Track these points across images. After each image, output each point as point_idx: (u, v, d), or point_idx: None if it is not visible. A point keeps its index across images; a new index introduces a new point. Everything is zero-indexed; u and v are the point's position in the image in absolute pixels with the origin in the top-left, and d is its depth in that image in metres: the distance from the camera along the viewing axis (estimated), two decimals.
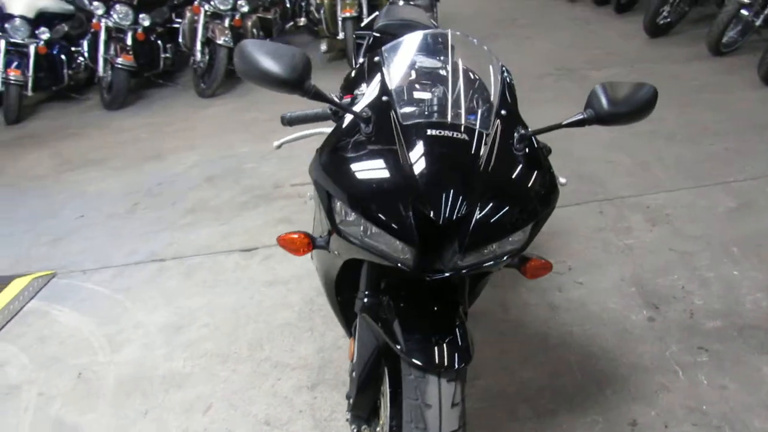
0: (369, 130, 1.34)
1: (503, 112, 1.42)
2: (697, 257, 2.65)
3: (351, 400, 1.57)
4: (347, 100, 1.61)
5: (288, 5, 7.65)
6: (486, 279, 1.81)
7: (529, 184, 1.36)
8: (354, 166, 1.31)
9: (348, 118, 1.41)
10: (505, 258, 1.38)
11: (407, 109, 1.38)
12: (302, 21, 7.74)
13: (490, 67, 1.54)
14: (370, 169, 1.30)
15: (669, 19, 5.81)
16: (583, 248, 2.84)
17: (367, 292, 1.51)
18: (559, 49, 5.99)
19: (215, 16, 6.02)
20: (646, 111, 1.38)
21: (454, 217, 1.24)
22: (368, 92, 1.46)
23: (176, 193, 3.96)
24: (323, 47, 6.64)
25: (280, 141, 1.58)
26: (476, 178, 1.28)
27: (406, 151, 1.30)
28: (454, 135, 1.32)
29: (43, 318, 2.84)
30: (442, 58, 1.53)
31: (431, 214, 1.23)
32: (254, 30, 6.25)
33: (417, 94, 1.43)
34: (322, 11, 6.59)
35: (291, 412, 2.10)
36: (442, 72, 1.49)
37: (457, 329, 1.40)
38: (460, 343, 1.36)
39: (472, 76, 1.51)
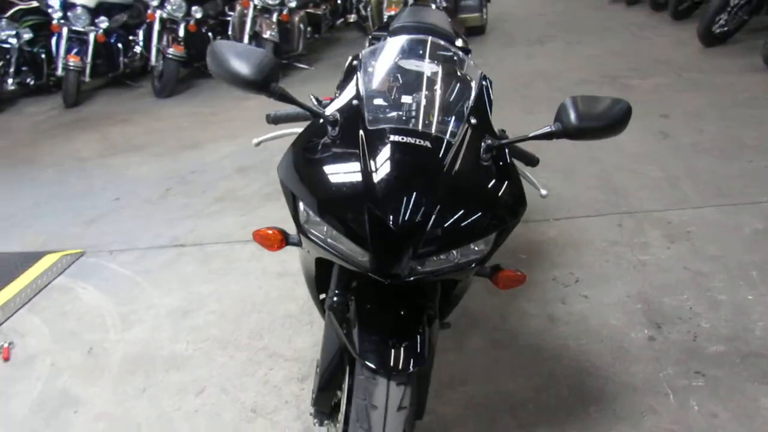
0: (335, 133, 1.37)
1: (473, 121, 1.42)
2: (712, 278, 2.55)
3: (314, 396, 1.61)
4: (327, 101, 1.64)
5: (339, 1, 7.75)
6: (463, 287, 1.81)
7: (492, 195, 1.35)
8: (317, 168, 1.34)
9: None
10: (469, 267, 1.38)
11: (376, 114, 1.40)
12: (352, 17, 7.82)
13: (468, 77, 1.54)
14: (332, 173, 1.33)
15: (726, 28, 5.56)
16: (594, 261, 2.77)
17: (336, 291, 1.54)
18: (606, 55, 5.84)
19: (264, 10, 6.16)
20: (617, 127, 1.36)
21: (408, 223, 1.25)
22: (342, 95, 1.49)
23: (207, 181, 4.10)
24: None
25: (260, 139, 1.63)
26: (435, 186, 1.29)
27: (368, 156, 1.32)
28: (418, 142, 1.33)
29: (67, 294, 3.00)
30: (419, 64, 1.54)
31: (387, 219, 1.25)
32: (301, 25, 6.36)
33: (388, 100, 1.44)
34: (369, 8, 6.65)
35: (278, 402, 2.16)
36: (417, 78, 1.50)
37: (418, 335, 1.40)
38: (417, 349, 1.37)
39: (447, 84, 1.51)
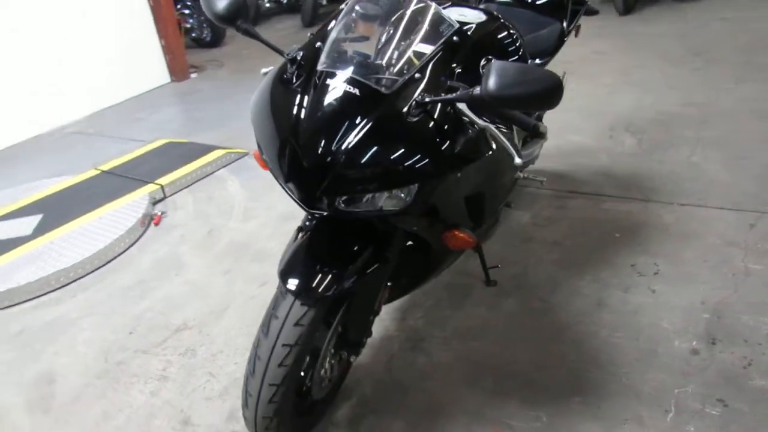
0: (292, 71, 1.50)
1: (418, 75, 1.42)
2: None
3: None
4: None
5: None
6: (441, 256, 1.83)
7: (409, 149, 1.37)
8: (267, 105, 1.51)
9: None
10: (391, 214, 1.43)
11: (330, 57, 1.49)
12: None
13: (435, 31, 1.51)
14: (276, 110, 1.49)
15: None
16: (692, 257, 2.44)
17: (307, 216, 1.72)
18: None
19: None
20: (543, 101, 1.25)
21: (317, 160, 1.36)
22: (316, 36, 1.59)
23: None
24: None
25: (267, 69, 1.80)
26: (352, 130, 1.36)
27: (305, 97, 1.44)
28: (348, 88, 1.41)
29: (220, 184, 3.63)
30: (393, 17, 1.56)
31: (300, 155, 1.38)
32: None
33: (346, 45, 1.52)
34: None
35: None
36: (384, 29, 1.53)
37: (345, 270, 1.52)
38: (336, 280, 1.50)
39: (406, 37, 1.51)
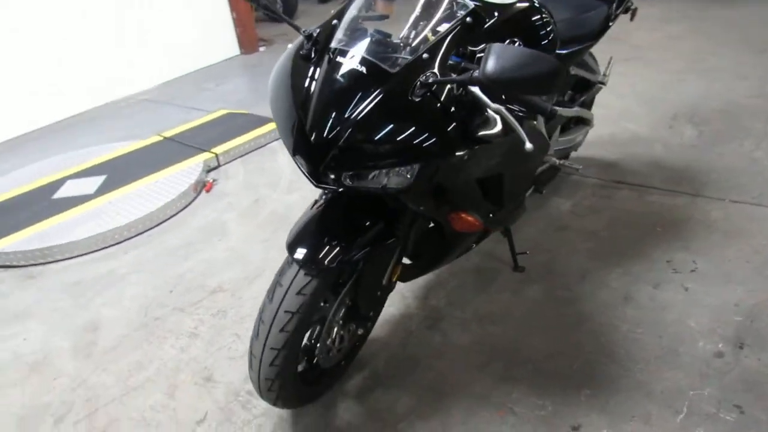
0: (308, 47, 1.54)
1: (425, 56, 1.42)
2: None
3: None
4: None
5: None
6: (457, 238, 1.83)
7: (410, 129, 1.38)
8: (282, 76, 1.56)
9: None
10: (394, 191, 1.45)
11: (344, 35, 1.52)
12: None
13: (452, 13, 1.50)
14: (290, 81, 1.53)
15: None
16: (734, 256, 2.33)
17: (323, 191, 1.77)
18: None
19: None
20: (542, 85, 1.24)
21: (321, 136, 1.40)
22: (334, 14, 1.61)
23: None
24: None
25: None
26: (356, 108, 1.39)
27: (318, 71, 1.48)
28: (356, 66, 1.43)
29: (272, 155, 3.75)
30: (388, 5, 1.56)
31: (306, 130, 1.43)
32: None
33: (363, 24, 1.53)
34: None
35: None
36: (402, 8, 1.54)
37: (352, 244, 1.57)
38: (341, 254, 1.55)
39: (424, 18, 1.51)
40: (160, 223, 3.13)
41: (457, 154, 1.44)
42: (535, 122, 1.84)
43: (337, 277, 1.67)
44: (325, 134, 1.40)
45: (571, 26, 2.22)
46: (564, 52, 2.11)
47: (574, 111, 2.46)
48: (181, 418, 1.95)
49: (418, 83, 1.39)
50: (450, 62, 1.45)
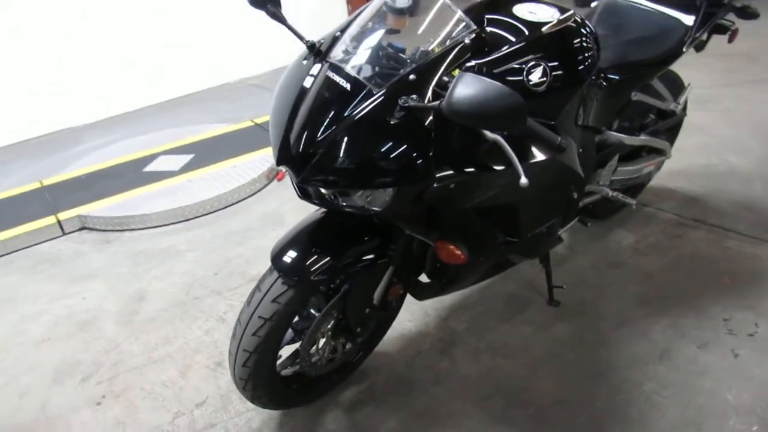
0: (309, 57, 1.53)
1: (412, 77, 1.35)
2: None
3: None
4: None
5: None
6: (475, 267, 1.75)
7: (384, 151, 1.34)
8: (281, 85, 1.56)
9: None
10: (372, 212, 1.42)
11: (342, 49, 1.48)
12: None
13: (451, 34, 1.41)
14: (285, 90, 1.53)
15: None
16: None
17: None
18: None
19: None
20: (502, 122, 1.13)
21: (299, 150, 1.40)
22: (339, 26, 1.58)
23: None
24: None
25: None
26: (334, 125, 1.37)
27: (311, 83, 1.46)
28: (341, 83, 1.40)
29: None
30: (414, 15, 1.49)
31: (288, 143, 1.43)
32: None
33: (357, 40, 1.49)
34: None
35: None
36: (408, 24, 1.48)
37: (337, 260, 1.56)
38: (320, 267, 1.54)
39: (425, 37, 1.44)
40: (228, 206, 3.30)
41: (440, 182, 1.37)
42: (560, 153, 1.70)
43: (315, 290, 1.67)
44: (302, 148, 1.40)
45: (634, 48, 2.02)
46: (616, 77, 1.92)
47: (639, 140, 2.23)
48: (184, 397, 2.05)
49: (398, 106, 1.33)
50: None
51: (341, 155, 1.36)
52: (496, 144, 1.35)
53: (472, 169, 1.42)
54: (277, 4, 1.55)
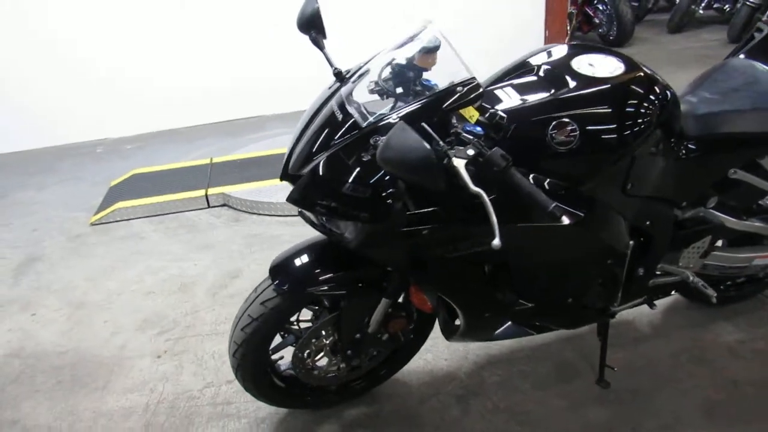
0: (334, 84, 1.60)
1: (393, 117, 1.35)
2: None
3: None
4: None
5: None
6: (484, 322, 1.70)
7: (350, 185, 1.36)
8: (310, 106, 1.65)
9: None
10: (349, 243, 1.47)
11: (356, 82, 1.52)
12: None
13: (445, 77, 1.36)
14: (308, 112, 1.61)
15: None
16: None
17: None
18: None
19: None
20: (419, 174, 1.09)
21: (290, 168, 1.50)
22: (370, 57, 1.60)
23: None
24: None
25: None
26: (320, 153, 1.43)
27: (318, 110, 1.54)
28: (337, 114, 1.44)
29: None
30: (428, 58, 1.46)
31: (286, 164, 1.53)
32: None
33: (372, 75, 1.51)
34: None
35: None
36: (407, 65, 1.47)
37: (329, 281, 1.63)
38: (305, 282, 1.63)
39: (419, 81, 1.42)
40: None
41: (412, 226, 1.36)
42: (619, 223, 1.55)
43: (302, 302, 1.73)
44: (291, 168, 1.48)
45: (739, 119, 1.72)
46: (701, 149, 1.66)
47: (744, 225, 1.89)
48: (222, 371, 2.26)
49: (371, 144, 1.34)
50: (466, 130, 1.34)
51: (318, 183, 1.42)
52: (479, 198, 1.29)
53: (447, 219, 1.37)
54: (321, 31, 1.64)
